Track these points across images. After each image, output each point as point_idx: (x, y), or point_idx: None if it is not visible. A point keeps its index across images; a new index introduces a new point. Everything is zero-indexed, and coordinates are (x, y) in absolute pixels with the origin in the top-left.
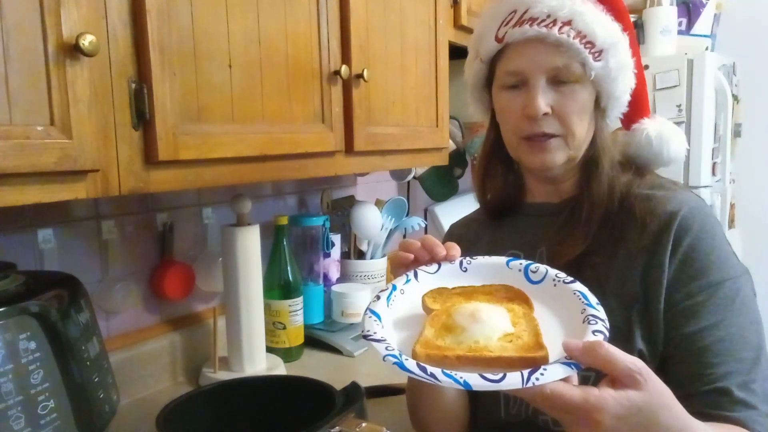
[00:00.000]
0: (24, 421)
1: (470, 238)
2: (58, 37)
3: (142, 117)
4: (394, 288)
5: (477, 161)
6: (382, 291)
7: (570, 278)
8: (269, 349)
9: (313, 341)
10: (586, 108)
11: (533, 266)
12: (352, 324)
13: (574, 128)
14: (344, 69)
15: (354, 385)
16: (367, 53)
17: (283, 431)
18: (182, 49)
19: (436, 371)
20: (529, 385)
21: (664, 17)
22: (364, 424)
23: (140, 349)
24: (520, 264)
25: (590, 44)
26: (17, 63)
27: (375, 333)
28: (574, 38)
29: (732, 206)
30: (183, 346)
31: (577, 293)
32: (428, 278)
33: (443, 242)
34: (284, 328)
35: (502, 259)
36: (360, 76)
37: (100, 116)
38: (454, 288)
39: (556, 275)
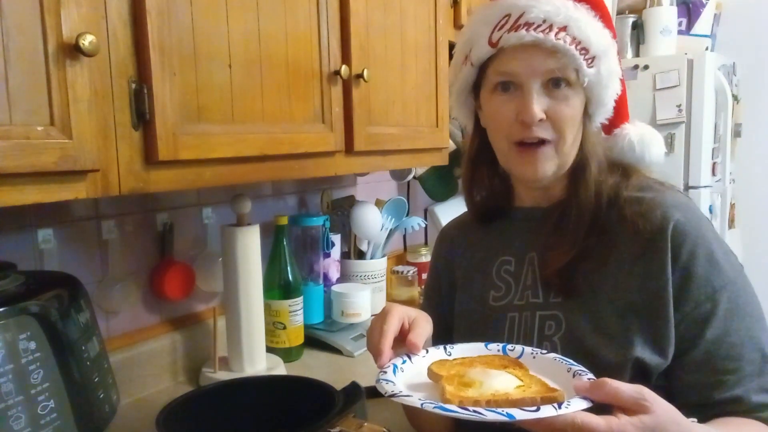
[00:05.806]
0: (24, 421)
1: (462, 242)
2: (58, 37)
3: (142, 117)
4: (396, 366)
5: (462, 167)
6: (385, 368)
7: (545, 351)
8: (269, 349)
9: (313, 341)
10: (577, 114)
11: (509, 346)
12: (352, 324)
13: (566, 134)
14: (344, 69)
15: (354, 385)
16: (367, 53)
17: (283, 431)
18: (182, 49)
19: (479, 408)
20: (562, 411)
21: (664, 17)
22: (365, 425)
23: (140, 349)
24: (498, 345)
25: (585, 50)
26: (17, 63)
27: (400, 391)
28: (570, 44)
29: (732, 206)
30: (183, 346)
31: (558, 359)
32: (421, 360)
33: (436, 244)
34: (284, 328)
35: (480, 344)
36: (360, 76)
37: (100, 116)
38: (455, 359)
39: (532, 350)
